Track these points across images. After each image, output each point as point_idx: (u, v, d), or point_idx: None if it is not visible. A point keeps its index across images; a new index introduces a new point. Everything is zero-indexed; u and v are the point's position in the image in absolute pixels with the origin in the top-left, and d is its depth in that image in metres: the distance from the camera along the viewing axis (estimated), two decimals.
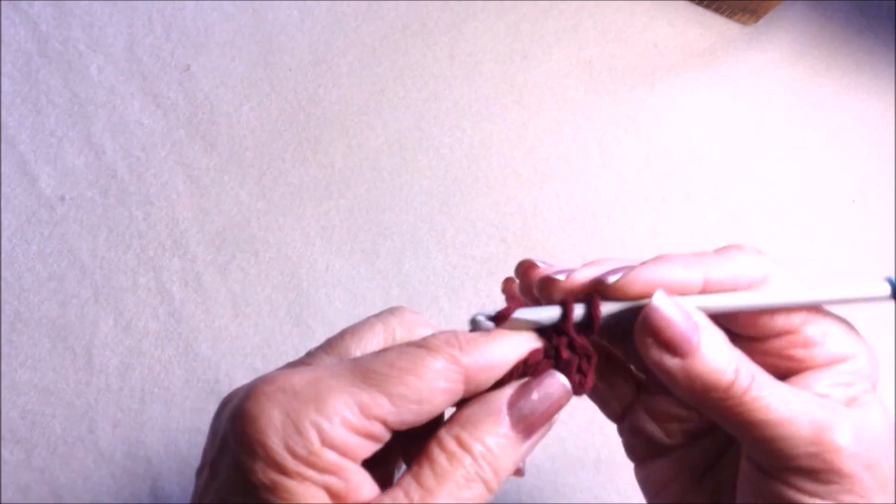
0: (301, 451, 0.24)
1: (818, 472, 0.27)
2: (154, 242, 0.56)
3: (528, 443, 0.27)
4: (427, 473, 0.25)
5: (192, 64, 0.61)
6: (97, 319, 0.54)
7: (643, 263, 0.29)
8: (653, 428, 0.33)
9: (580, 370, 0.29)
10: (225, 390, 0.52)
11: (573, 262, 0.31)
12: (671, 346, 0.27)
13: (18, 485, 0.51)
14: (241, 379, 0.53)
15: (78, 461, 0.51)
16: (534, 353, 0.28)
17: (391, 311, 0.31)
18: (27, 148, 0.58)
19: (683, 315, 0.28)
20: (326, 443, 0.24)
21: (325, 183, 0.58)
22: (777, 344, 0.30)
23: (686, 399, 0.28)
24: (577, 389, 0.29)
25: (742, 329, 0.30)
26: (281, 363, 0.30)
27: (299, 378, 0.25)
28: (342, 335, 0.29)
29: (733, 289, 0.29)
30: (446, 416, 0.28)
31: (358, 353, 0.28)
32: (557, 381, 0.28)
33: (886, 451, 0.28)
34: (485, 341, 0.27)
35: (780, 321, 0.29)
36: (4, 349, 0.53)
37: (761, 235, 0.59)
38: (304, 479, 0.24)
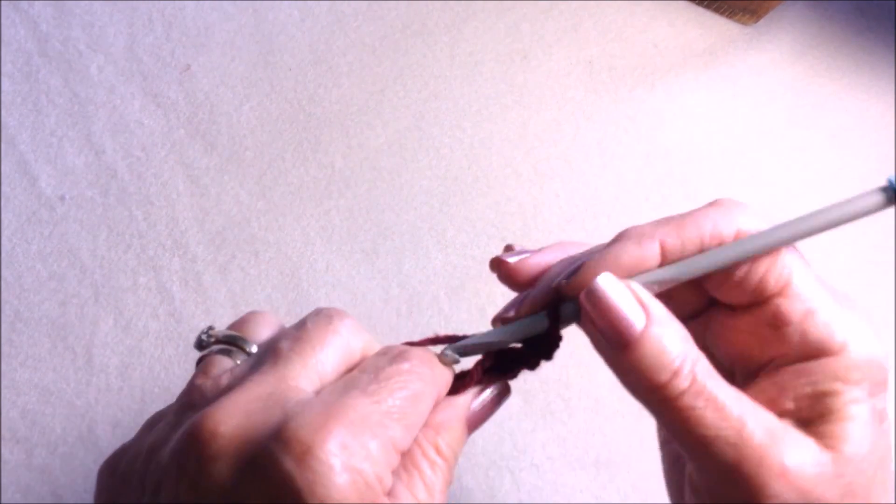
0: (381, 498, 0.23)
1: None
2: (154, 242, 0.56)
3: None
4: (418, 484, 0.26)
5: (192, 64, 0.61)
6: (97, 319, 0.54)
7: (597, 251, 0.28)
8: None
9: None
10: None
11: None
12: (610, 334, 0.25)
13: (18, 485, 0.51)
14: None
15: (78, 461, 0.51)
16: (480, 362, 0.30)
17: (327, 317, 0.29)
18: (27, 148, 0.58)
19: (628, 300, 0.25)
20: (384, 486, 0.24)
21: (325, 183, 0.58)
22: (748, 320, 0.27)
23: (627, 390, 0.26)
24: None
25: (716, 294, 0.28)
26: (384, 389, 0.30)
27: (353, 428, 0.23)
28: (289, 358, 0.27)
29: (699, 251, 0.27)
30: None
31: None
32: (505, 386, 0.30)
33: (873, 478, 0.24)
34: (443, 366, 0.29)
35: (748, 284, 0.26)
36: (4, 349, 0.53)
37: None
38: None
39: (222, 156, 0.58)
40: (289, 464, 0.21)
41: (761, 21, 0.64)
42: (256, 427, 0.23)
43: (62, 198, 0.57)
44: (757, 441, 0.24)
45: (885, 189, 0.25)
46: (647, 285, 0.27)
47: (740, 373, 0.29)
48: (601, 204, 0.59)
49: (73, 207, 0.56)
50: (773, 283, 0.27)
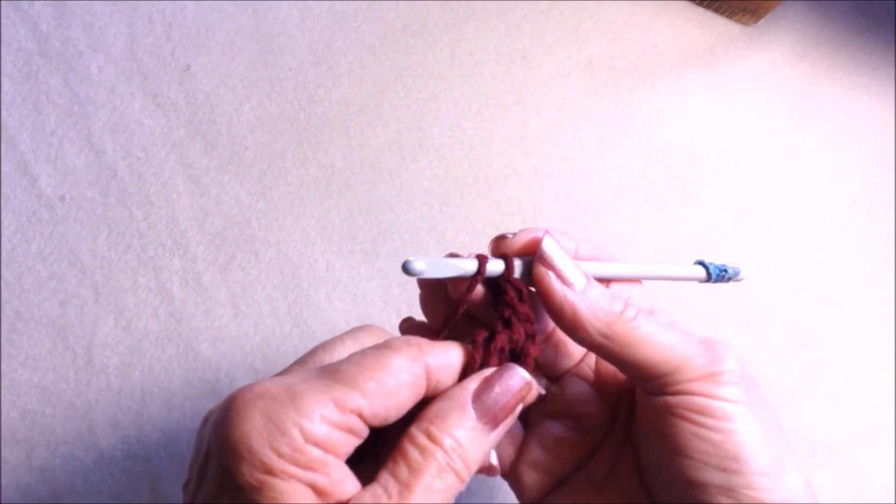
0: (286, 449, 0.25)
1: (713, 375, 0.29)
2: (154, 242, 0.56)
3: (495, 434, 0.29)
4: (402, 468, 0.27)
5: (192, 64, 0.61)
6: (97, 319, 0.54)
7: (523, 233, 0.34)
8: (533, 475, 0.35)
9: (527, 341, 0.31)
10: (225, 390, 0.52)
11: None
12: (565, 277, 0.31)
13: (18, 485, 0.51)
14: (241, 379, 0.53)
15: (78, 461, 0.51)
16: (477, 333, 0.30)
17: (361, 328, 0.33)
18: (27, 148, 0.58)
19: (569, 257, 0.31)
20: (310, 440, 0.25)
21: (326, 183, 0.58)
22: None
23: (579, 332, 0.30)
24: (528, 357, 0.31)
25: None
26: (281, 363, 0.30)
27: (275, 385, 0.26)
28: (314, 351, 0.31)
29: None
30: None
31: None
32: (517, 374, 0.30)
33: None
34: (441, 343, 0.30)
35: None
36: (4, 349, 0.53)
37: (761, 235, 0.59)
38: (290, 476, 0.25)
39: (222, 156, 0.58)
40: (218, 412, 0.26)
41: (761, 21, 0.64)
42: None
43: (62, 198, 0.57)
44: (702, 336, 0.31)
45: (701, 264, 0.38)
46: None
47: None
48: (601, 204, 0.59)
49: (73, 207, 0.56)
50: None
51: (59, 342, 0.53)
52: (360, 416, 0.26)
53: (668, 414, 0.29)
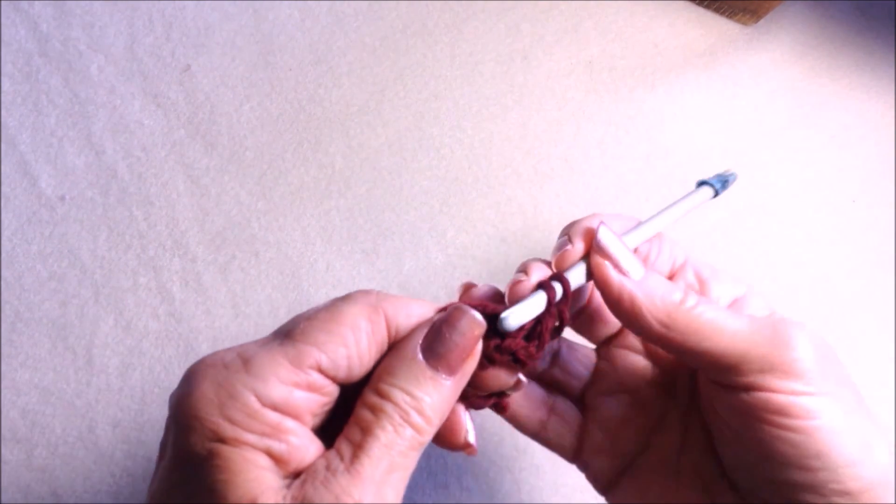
0: (237, 415, 0.24)
1: (779, 369, 0.28)
2: (154, 242, 0.56)
3: (453, 381, 0.27)
4: (354, 430, 0.25)
5: (192, 64, 0.61)
6: (97, 319, 0.54)
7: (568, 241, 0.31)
8: (609, 444, 0.34)
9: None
10: None
11: None
12: (621, 267, 0.29)
13: (18, 485, 0.51)
14: None
15: (78, 461, 0.51)
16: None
17: (346, 296, 0.30)
18: (27, 148, 0.58)
19: (624, 244, 0.30)
20: (266, 402, 0.24)
21: (326, 183, 0.58)
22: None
23: (638, 321, 0.29)
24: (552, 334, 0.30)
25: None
26: (297, 319, 0.29)
27: (229, 353, 0.26)
28: (295, 319, 0.29)
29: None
30: None
31: None
32: (466, 314, 0.27)
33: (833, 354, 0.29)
34: (403, 297, 0.28)
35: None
36: (4, 349, 0.53)
37: (761, 235, 0.59)
38: (242, 443, 0.24)
39: (222, 156, 0.58)
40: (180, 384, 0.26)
41: (761, 21, 0.64)
42: None
43: (62, 198, 0.57)
44: (771, 319, 0.29)
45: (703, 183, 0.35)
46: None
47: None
48: (601, 204, 0.59)
49: (73, 208, 0.56)
50: None
51: (60, 342, 0.53)
52: (320, 370, 0.25)
53: (744, 415, 0.28)
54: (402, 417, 0.25)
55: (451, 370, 0.27)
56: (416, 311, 0.28)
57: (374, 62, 0.61)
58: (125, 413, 0.52)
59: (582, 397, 0.36)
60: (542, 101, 0.61)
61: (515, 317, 0.28)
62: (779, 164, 0.61)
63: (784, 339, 0.28)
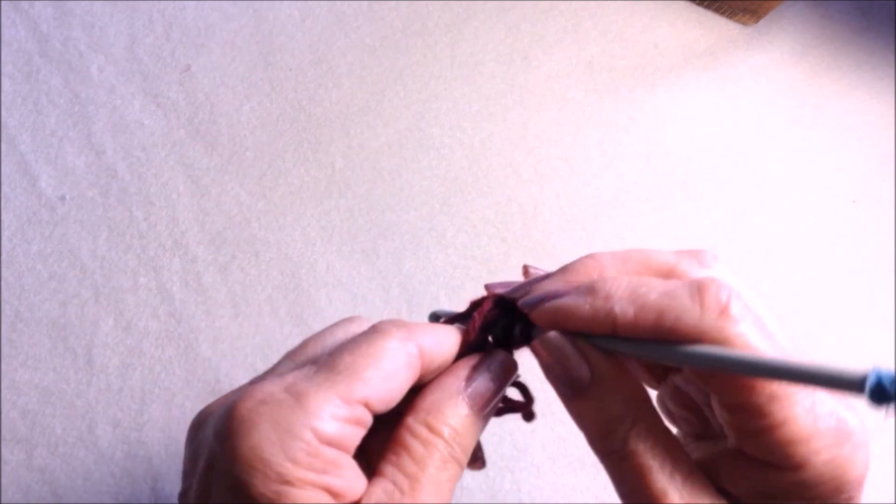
0: (300, 455, 0.24)
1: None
2: (154, 242, 0.56)
3: (482, 420, 0.29)
4: (407, 461, 0.27)
5: (192, 64, 0.61)
6: (97, 319, 0.54)
7: (554, 292, 0.28)
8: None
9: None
10: (225, 390, 0.52)
11: None
12: (559, 384, 0.28)
13: (19, 485, 0.51)
14: (242, 379, 0.53)
15: (78, 461, 0.51)
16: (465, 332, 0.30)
17: (349, 319, 0.32)
18: (27, 148, 0.58)
19: (572, 357, 0.27)
20: (323, 440, 0.24)
21: (326, 183, 0.58)
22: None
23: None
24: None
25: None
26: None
27: (276, 387, 0.25)
28: (305, 343, 0.30)
29: (655, 324, 0.25)
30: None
31: None
32: (504, 356, 0.29)
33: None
34: (429, 325, 0.29)
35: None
36: (4, 349, 0.53)
37: (761, 236, 0.59)
38: (307, 483, 0.24)
39: (223, 156, 0.58)
40: (220, 421, 0.25)
41: (762, 21, 0.64)
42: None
43: (62, 198, 0.57)
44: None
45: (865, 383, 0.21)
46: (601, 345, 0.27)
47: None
48: (601, 204, 0.59)
49: (73, 208, 0.56)
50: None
51: (60, 342, 0.53)
52: (367, 405, 0.26)
53: None
54: (450, 454, 0.27)
55: (485, 409, 0.29)
56: (446, 341, 0.29)
57: (374, 62, 0.61)
58: (125, 413, 0.52)
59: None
60: (542, 101, 0.61)
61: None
62: (779, 164, 0.61)
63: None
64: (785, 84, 0.63)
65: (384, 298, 0.56)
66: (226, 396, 0.28)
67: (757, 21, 0.64)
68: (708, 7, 0.64)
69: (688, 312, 0.24)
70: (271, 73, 0.61)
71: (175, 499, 0.51)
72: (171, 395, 0.53)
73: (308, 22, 0.62)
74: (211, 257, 0.56)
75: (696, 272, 0.28)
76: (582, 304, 0.27)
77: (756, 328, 0.24)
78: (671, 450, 0.26)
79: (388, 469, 0.27)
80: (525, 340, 0.30)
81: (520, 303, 0.29)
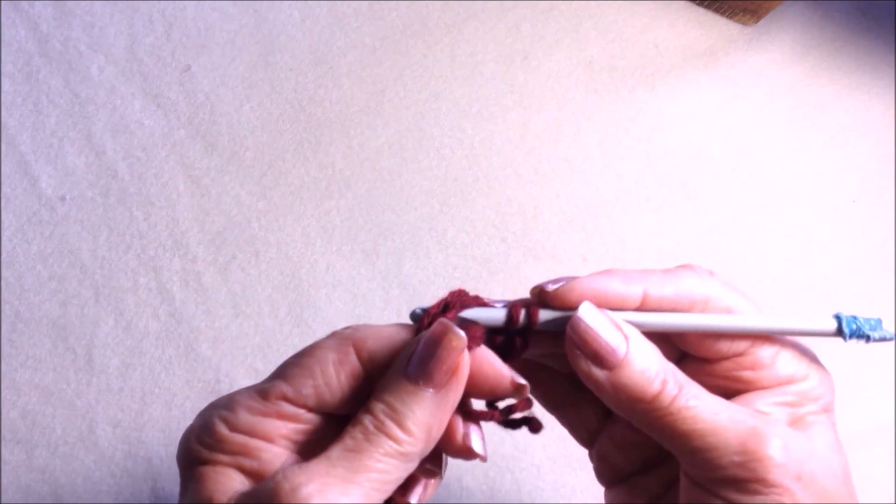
0: (209, 440, 0.28)
1: (745, 481, 0.27)
2: (154, 242, 0.56)
3: (439, 395, 0.28)
4: (335, 444, 0.27)
5: (192, 64, 0.61)
6: (97, 319, 0.54)
7: (586, 276, 0.30)
8: (615, 454, 0.35)
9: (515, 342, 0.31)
10: (225, 390, 0.52)
11: (574, 263, 0.31)
12: (596, 358, 0.29)
13: (19, 485, 0.51)
14: (241, 379, 0.53)
15: (78, 461, 0.51)
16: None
17: (335, 332, 0.32)
18: (28, 148, 0.58)
19: (609, 327, 0.29)
20: (235, 428, 0.28)
21: (326, 183, 0.58)
22: (727, 365, 0.31)
23: (615, 410, 0.30)
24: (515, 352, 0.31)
25: (691, 349, 0.32)
26: (281, 363, 0.31)
27: (224, 396, 0.30)
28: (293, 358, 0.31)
29: (673, 308, 0.30)
30: None
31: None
32: (443, 326, 0.28)
33: (828, 468, 0.28)
34: (373, 325, 0.30)
35: (727, 345, 0.30)
36: (4, 349, 0.53)
37: (761, 236, 0.59)
38: (216, 462, 0.28)
39: (223, 156, 0.58)
40: None
41: (762, 21, 0.64)
42: None
43: (63, 198, 0.57)
44: (753, 422, 0.28)
45: (836, 317, 0.32)
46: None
47: None
48: (601, 204, 0.59)
49: (73, 208, 0.57)
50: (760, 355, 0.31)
51: (60, 342, 0.53)
52: (286, 399, 0.28)
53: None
54: (376, 427, 0.27)
55: (437, 384, 0.27)
56: (385, 334, 0.29)
57: (374, 62, 0.62)
58: (125, 413, 0.52)
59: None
60: (542, 101, 0.61)
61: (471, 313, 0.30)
62: (779, 164, 0.61)
63: (755, 452, 0.27)
64: (785, 84, 0.63)
65: (384, 298, 0.56)
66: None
67: (757, 21, 0.64)
68: (708, 7, 0.64)
69: (697, 285, 0.30)
70: (271, 73, 0.61)
71: (175, 499, 0.51)
72: (171, 395, 0.53)
73: (308, 22, 0.62)
74: (211, 257, 0.56)
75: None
76: (611, 280, 0.30)
77: (742, 296, 0.31)
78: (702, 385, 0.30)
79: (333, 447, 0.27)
80: (524, 343, 0.31)
81: (550, 288, 0.30)
